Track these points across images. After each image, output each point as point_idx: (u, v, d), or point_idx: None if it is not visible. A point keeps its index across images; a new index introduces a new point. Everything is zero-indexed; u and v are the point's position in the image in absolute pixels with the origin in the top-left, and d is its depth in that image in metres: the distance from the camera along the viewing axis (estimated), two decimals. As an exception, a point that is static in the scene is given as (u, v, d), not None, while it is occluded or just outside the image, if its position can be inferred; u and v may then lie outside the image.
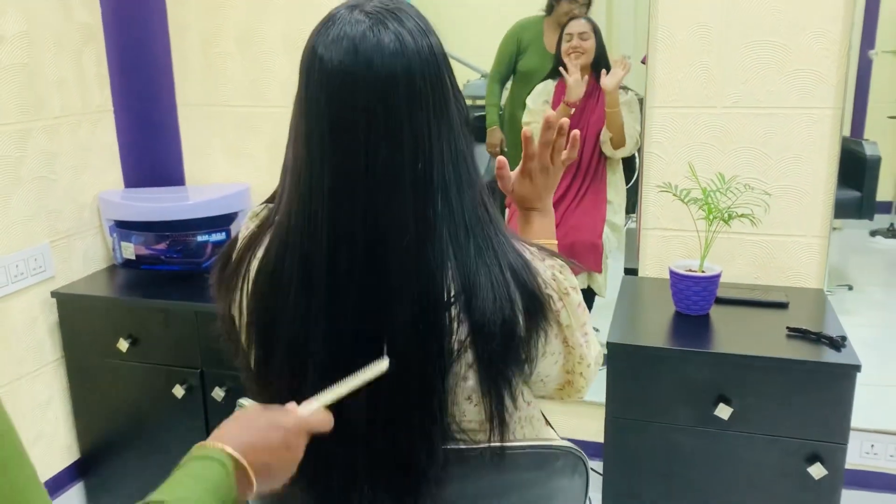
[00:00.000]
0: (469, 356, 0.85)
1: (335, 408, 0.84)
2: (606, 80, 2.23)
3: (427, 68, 0.83)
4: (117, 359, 2.13)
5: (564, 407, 2.26)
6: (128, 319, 2.12)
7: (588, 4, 2.39)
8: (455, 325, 0.83)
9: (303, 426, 0.81)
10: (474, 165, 0.89)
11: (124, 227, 2.27)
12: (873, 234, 4.50)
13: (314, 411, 0.82)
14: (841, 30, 1.87)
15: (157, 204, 2.26)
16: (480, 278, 0.83)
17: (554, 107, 2.52)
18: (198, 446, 0.76)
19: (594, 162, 2.61)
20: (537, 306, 0.86)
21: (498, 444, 0.89)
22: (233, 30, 2.32)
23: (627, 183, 2.62)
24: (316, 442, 0.83)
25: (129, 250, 2.25)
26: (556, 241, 1.13)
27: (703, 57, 1.97)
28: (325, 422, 0.82)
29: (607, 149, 2.41)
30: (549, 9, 2.43)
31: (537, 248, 0.93)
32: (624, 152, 2.33)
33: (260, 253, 0.93)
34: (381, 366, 0.82)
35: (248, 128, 2.40)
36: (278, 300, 0.89)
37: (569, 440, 2.30)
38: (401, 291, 0.84)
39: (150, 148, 2.46)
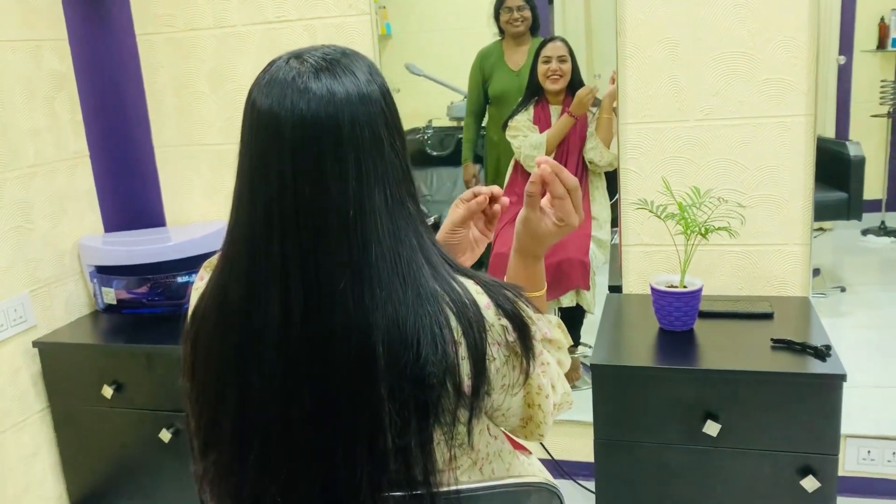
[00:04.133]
0: (410, 404, 0.84)
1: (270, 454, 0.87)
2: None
3: (357, 117, 0.84)
4: (103, 405, 2.11)
5: (555, 426, 2.23)
6: (111, 365, 2.10)
7: (528, 10, 2.44)
8: (389, 376, 0.82)
9: None
10: (416, 212, 0.89)
11: (105, 272, 2.26)
12: (865, 232, 4.50)
13: None
14: (807, 37, 1.87)
15: (137, 247, 2.25)
16: (419, 330, 0.82)
17: (536, 124, 2.53)
18: None
19: (578, 177, 2.62)
20: (482, 344, 0.85)
21: (445, 489, 0.88)
22: (204, 69, 2.32)
23: (611, 198, 2.62)
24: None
25: (111, 295, 2.23)
26: (545, 288, 1.11)
27: (673, 71, 1.97)
28: None
29: (595, 154, 2.41)
30: (501, 31, 2.50)
31: (493, 282, 0.92)
32: (610, 157, 2.34)
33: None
34: None
35: (224, 165, 2.39)
36: (201, 341, 0.90)
37: (561, 461, 2.27)
38: (331, 338, 0.83)
39: (128, 191, 2.46)
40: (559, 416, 1.09)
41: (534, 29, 2.52)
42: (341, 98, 0.83)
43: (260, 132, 0.85)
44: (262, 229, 0.85)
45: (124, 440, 2.14)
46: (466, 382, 0.85)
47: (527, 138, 2.49)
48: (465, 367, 0.85)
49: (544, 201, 1.03)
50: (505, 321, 0.88)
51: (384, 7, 2.67)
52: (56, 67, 2.25)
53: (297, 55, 0.88)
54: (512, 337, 0.89)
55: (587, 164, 2.52)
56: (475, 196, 1.16)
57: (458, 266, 0.92)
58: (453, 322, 0.84)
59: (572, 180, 1.00)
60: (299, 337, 0.84)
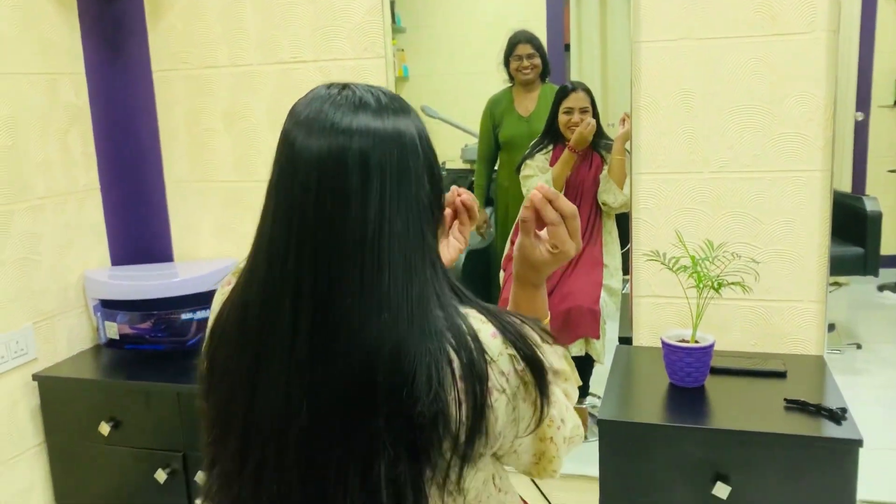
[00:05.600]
0: (402, 439, 0.82)
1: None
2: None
3: (388, 147, 0.85)
4: (99, 443, 2.08)
5: (562, 481, 2.17)
6: (110, 402, 2.07)
7: (538, 58, 2.45)
8: (387, 406, 0.81)
9: None
10: (434, 246, 0.89)
11: (109, 306, 2.24)
12: (881, 288, 4.43)
13: None
14: (825, 92, 1.85)
15: (143, 282, 2.23)
16: (417, 366, 0.81)
17: (553, 166, 2.52)
18: None
19: (590, 226, 2.59)
20: (484, 381, 0.83)
21: None
22: (219, 107, 2.33)
23: (623, 247, 2.58)
24: None
25: (113, 330, 2.21)
26: (548, 318, 1.10)
27: (688, 122, 1.95)
28: None
29: (609, 196, 2.39)
30: (511, 77, 2.52)
31: (498, 311, 0.91)
32: (623, 199, 2.31)
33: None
34: None
35: (235, 203, 2.39)
36: (218, 360, 0.90)
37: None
38: (334, 357, 0.82)
39: (137, 225, 2.45)
40: (567, 466, 1.04)
41: (544, 75, 2.52)
42: (376, 129, 0.85)
43: (291, 145, 0.86)
44: (280, 240, 0.85)
45: (120, 479, 2.10)
46: (463, 424, 0.82)
47: (536, 178, 2.48)
48: (463, 409, 0.82)
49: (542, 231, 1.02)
50: (512, 350, 0.86)
51: (402, 50, 2.69)
52: (72, 101, 2.26)
53: (345, 84, 0.90)
54: (521, 366, 0.86)
55: (601, 206, 2.50)
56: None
57: (467, 296, 0.91)
58: (455, 361, 0.82)
59: (569, 207, 0.98)
60: (305, 352, 0.83)
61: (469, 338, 0.84)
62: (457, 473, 0.84)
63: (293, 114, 0.88)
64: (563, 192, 2.50)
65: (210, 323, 0.98)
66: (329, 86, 0.89)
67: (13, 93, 2.06)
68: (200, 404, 0.95)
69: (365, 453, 0.81)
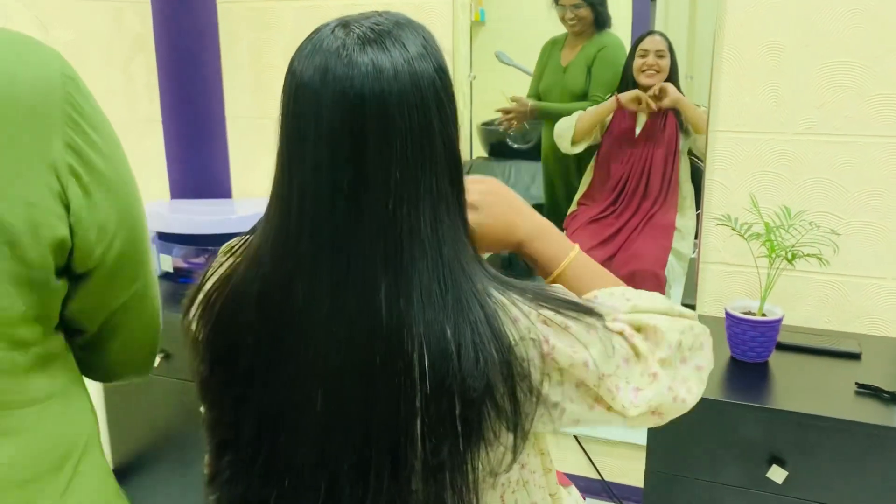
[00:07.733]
0: (446, 420, 0.74)
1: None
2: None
3: (406, 97, 0.73)
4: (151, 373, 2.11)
5: (609, 447, 2.10)
6: (162, 334, 2.09)
7: (584, 8, 2.24)
8: (419, 385, 0.73)
9: None
10: (459, 210, 0.79)
11: (166, 239, 2.25)
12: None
13: None
14: (933, 51, 1.67)
15: (203, 217, 2.23)
16: (460, 338, 0.73)
17: (613, 133, 2.37)
18: None
19: (665, 188, 2.45)
20: (511, 364, 0.75)
21: None
22: (281, 42, 2.28)
23: (697, 208, 2.45)
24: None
25: (168, 263, 2.22)
26: (576, 247, 1.00)
27: (774, 78, 1.80)
28: None
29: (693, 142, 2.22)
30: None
31: (540, 295, 0.81)
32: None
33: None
34: None
35: (294, 141, 2.35)
36: (235, 322, 0.84)
37: (611, 483, 2.14)
38: (355, 338, 0.75)
39: (197, 159, 2.44)
40: (614, 432, 0.97)
41: (600, 23, 2.31)
42: (389, 76, 0.73)
43: (297, 107, 0.76)
44: (295, 213, 0.77)
45: (168, 410, 2.13)
46: (499, 400, 0.75)
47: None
48: (498, 384, 0.74)
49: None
50: (535, 335, 0.77)
51: (480, -6, 2.57)
52: (137, 30, 2.24)
53: (345, 24, 0.77)
54: (548, 346, 0.77)
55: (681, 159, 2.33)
56: None
57: (494, 275, 0.82)
58: (489, 333, 0.74)
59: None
60: (322, 332, 0.76)
61: (499, 311, 0.76)
62: (512, 452, 0.77)
63: (295, 73, 0.77)
64: (587, 140, 2.34)
65: (205, 288, 0.90)
66: (332, 30, 0.77)
67: (77, 18, 2.05)
68: (197, 372, 0.91)
69: (396, 442, 0.74)
